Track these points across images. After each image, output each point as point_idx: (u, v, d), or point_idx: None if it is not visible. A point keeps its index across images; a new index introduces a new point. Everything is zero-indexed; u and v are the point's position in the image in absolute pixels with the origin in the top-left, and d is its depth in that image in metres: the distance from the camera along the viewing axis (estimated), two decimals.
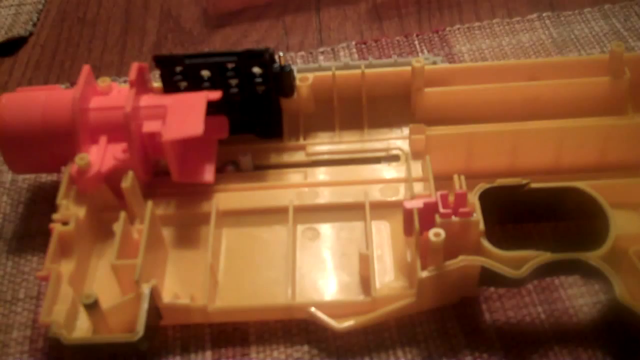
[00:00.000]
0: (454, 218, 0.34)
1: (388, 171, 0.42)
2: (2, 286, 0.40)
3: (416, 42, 0.53)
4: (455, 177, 0.37)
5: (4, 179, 0.46)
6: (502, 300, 0.37)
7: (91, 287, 0.38)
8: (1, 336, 0.38)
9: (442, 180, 0.38)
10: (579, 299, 0.37)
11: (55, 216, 0.38)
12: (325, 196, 0.41)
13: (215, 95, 0.41)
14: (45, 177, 0.46)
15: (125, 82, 0.50)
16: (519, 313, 0.37)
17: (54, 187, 0.41)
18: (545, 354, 0.35)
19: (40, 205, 0.44)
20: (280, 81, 0.42)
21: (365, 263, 0.37)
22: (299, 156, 0.44)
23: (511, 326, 0.36)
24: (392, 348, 0.36)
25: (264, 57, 0.41)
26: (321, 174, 0.42)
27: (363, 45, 0.54)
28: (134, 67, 0.41)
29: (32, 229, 0.43)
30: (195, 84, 0.42)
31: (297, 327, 0.37)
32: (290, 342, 0.36)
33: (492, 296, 0.37)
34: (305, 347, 0.36)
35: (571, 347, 0.35)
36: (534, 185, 0.38)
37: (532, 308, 0.37)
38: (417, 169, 0.41)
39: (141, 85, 0.41)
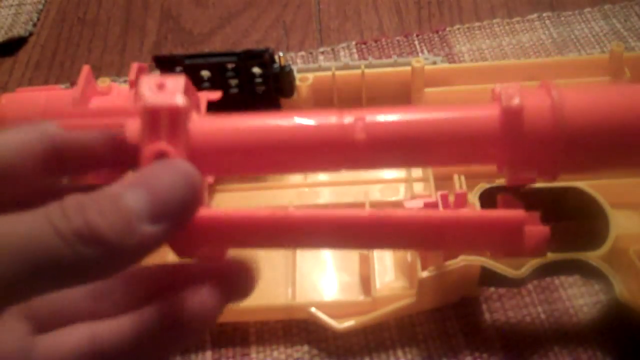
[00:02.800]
0: None
1: (388, 171, 0.42)
2: None
3: (416, 42, 0.53)
4: (456, 177, 0.37)
5: None
6: (502, 300, 0.37)
7: None
8: None
9: (442, 180, 0.38)
10: (579, 299, 0.37)
11: None
12: (325, 196, 0.41)
13: (215, 95, 0.40)
14: None
15: (125, 82, 0.50)
16: (519, 313, 0.37)
17: None
18: (545, 354, 0.35)
19: None
20: (280, 81, 0.42)
21: (365, 263, 0.37)
22: None
23: (511, 326, 0.36)
24: (392, 348, 0.36)
25: (264, 57, 0.41)
26: (321, 174, 0.42)
27: (363, 45, 0.54)
28: (134, 67, 0.41)
29: None
30: (195, 84, 0.42)
31: (297, 327, 0.37)
32: (290, 342, 0.36)
33: (492, 296, 0.37)
34: (305, 347, 0.36)
35: (571, 347, 0.35)
36: (534, 185, 0.38)
37: (532, 308, 0.37)
38: (417, 169, 0.41)
39: None
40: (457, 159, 0.23)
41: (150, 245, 0.20)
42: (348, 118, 0.22)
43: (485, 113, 0.23)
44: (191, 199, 0.21)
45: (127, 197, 0.20)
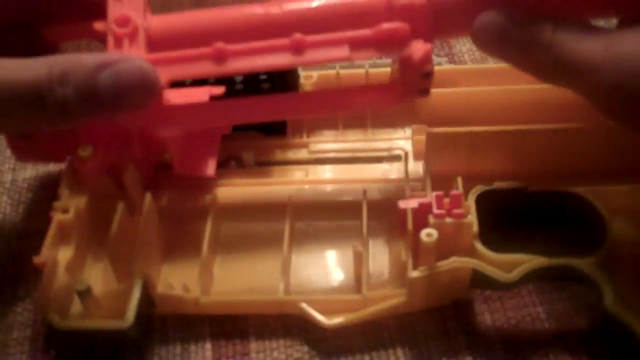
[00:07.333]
0: (447, 219, 0.34)
1: (389, 171, 0.42)
2: (2, 286, 0.40)
3: None
4: (459, 178, 0.36)
5: (4, 178, 0.46)
6: (502, 300, 0.37)
7: (90, 276, 0.38)
8: (1, 336, 0.37)
9: (443, 181, 0.38)
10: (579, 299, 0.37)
11: (56, 204, 0.38)
12: (325, 194, 0.41)
13: (219, 90, 0.41)
14: (45, 177, 0.46)
15: None
16: (519, 313, 0.36)
17: (54, 187, 0.40)
18: (545, 354, 0.35)
19: (40, 206, 0.44)
20: (285, 79, 0.42)
21: (357, 259, 0.37)
22: (302, 154, 0.44)
23: (511, 326, 0.36)
24: (392, 348, 0.36)
25: None
26: (322, 171, 0.43)
27: None
28: None
29: (32, 229, 0.42)
30: (200, 79, 0.42)
31: (297, 327, 0.37)
32: (290, 342, 0.36)
33: (492, 296, 0.37)
34: (305, 347, 0.36)
35: (571, 347, 0.35)
36: (531, 189, 0.38)
37: (532, 308, 0.36)
38: (418, 169, 0.41)
39: None
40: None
41: (108, 100, 0.30)
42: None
43: None
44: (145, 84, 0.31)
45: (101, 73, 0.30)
